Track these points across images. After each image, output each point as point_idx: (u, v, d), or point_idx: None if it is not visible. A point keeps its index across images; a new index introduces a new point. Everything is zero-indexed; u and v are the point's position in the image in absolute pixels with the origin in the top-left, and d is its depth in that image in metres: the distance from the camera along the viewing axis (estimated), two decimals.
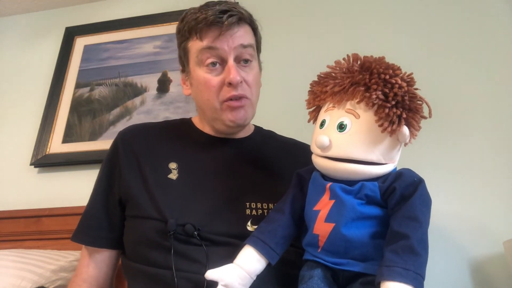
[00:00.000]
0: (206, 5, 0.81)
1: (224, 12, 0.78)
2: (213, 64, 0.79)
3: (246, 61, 0.82)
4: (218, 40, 0.78)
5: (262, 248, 0.63)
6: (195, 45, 0.80)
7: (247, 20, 0.83)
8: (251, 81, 0.82)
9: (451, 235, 1.14)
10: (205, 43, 0.78)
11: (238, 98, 0.79)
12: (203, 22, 0.77)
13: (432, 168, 1.22)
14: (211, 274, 0.61)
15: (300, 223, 0.68)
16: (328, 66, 0.66)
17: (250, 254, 0.63)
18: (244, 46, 0.80)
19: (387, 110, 0.57)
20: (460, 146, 1.24)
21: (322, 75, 0.66)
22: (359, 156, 0.59)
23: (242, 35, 0.80)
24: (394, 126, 0.58)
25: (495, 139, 1.22)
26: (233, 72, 0.77)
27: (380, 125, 0.58)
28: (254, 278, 0.63)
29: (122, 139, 0.86)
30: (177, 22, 0.86)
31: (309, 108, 0.70)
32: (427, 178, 0.61)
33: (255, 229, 0.68)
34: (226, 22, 0.77)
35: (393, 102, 0.57)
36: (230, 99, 0.79)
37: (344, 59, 0.64)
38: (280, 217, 0.67)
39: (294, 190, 0.70)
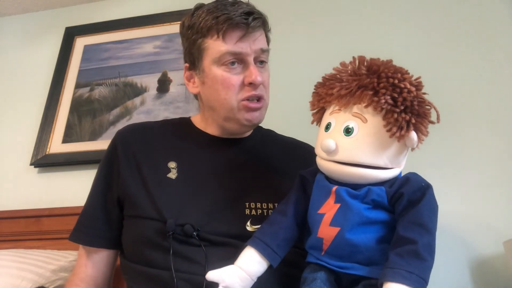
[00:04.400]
0: (222, 4, 0.80)
1: (248, 14, 0.78)
2: (232, 63, 0.79)
3: (262, 62, 0.83)
4: (241, 42, 0.78)
5: (264, 250, 0.63)
6: (215, 45, 0.79)
7: (266, 23, 0.84)
8: (267, 83, 0.84)
9: (451, 235, 1.14)
10: (228, 44, 0.78)
11: (258, 99, 0.81)
12: (228, 22, 0.77)
13: (432, 168, 1.21)
14: (211, 275, 0.61)
15: (303, 226, 0.67)
16: (334, 68, 0.64)
17: (251, 256, 0.63)
18: (263, 51, 0.82)
19: (395, 115, 0.56)
20: (461, 146, 1.24)
21: (327, 77, 0.65)
22: (366, 161, 0.58)
23: (261, 39, 0.82)
24: (403, 132, 0.57)
25: (495, 139, 1.22)
26: (256, 73, 0.78)
27: (389, 130, 0.57)
28: (255, 279, 0.63)
29: (121, 138, 0.85)
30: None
31: (313, 110, 0.69)
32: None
33: (257, 230, 0.68)
34: (251, 25, 0.78)
35: (402, 107, 0.56)
36: (248, 98, 0.79)
37: (350, 62, 0.63)
38: (283, 219, 0.66)
39: (297, 192, 0.69)
